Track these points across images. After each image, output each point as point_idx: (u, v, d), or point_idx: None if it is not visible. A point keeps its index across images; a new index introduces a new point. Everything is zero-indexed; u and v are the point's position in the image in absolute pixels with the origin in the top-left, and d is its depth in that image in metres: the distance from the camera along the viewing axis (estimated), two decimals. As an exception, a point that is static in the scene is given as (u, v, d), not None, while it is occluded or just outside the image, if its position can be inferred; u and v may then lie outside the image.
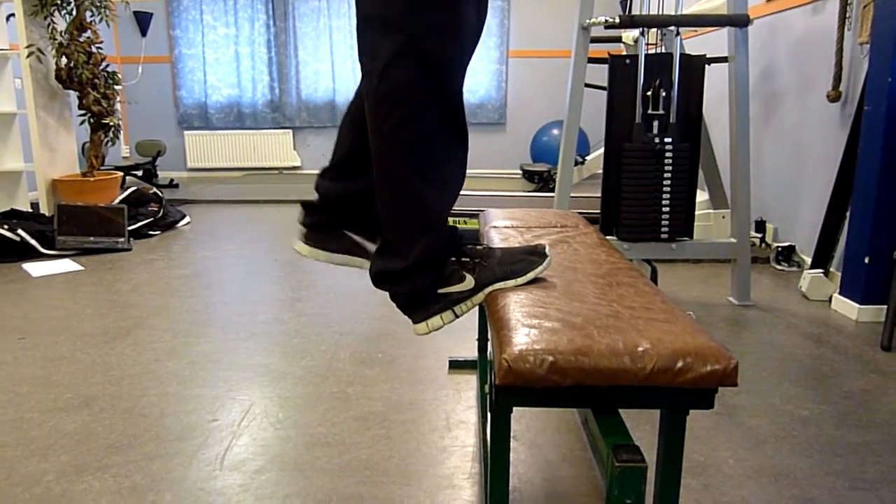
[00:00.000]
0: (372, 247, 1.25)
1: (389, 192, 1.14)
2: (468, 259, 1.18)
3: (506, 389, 0.90)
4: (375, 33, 1.08)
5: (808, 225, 3.31)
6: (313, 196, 1.30)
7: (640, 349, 0.86)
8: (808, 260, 3.19)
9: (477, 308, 1.20)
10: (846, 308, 2.68)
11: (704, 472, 1.56)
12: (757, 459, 1.61)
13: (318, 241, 1.29)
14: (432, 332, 1.20)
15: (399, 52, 1.05)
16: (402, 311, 1.23)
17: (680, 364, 0.85)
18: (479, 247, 1.21)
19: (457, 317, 1.18)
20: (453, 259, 1.18)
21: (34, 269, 3.43)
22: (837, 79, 2.98)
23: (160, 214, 4.41)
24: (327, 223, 1.28)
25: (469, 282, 1.16)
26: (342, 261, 1.29)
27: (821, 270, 2.90)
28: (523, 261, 1.16)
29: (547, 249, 1.18)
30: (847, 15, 2.93)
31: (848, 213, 2.79)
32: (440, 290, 1.17)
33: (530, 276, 1.15)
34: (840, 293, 2.73)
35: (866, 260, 2.56)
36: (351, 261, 1.29)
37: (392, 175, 1.12)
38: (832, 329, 2.51)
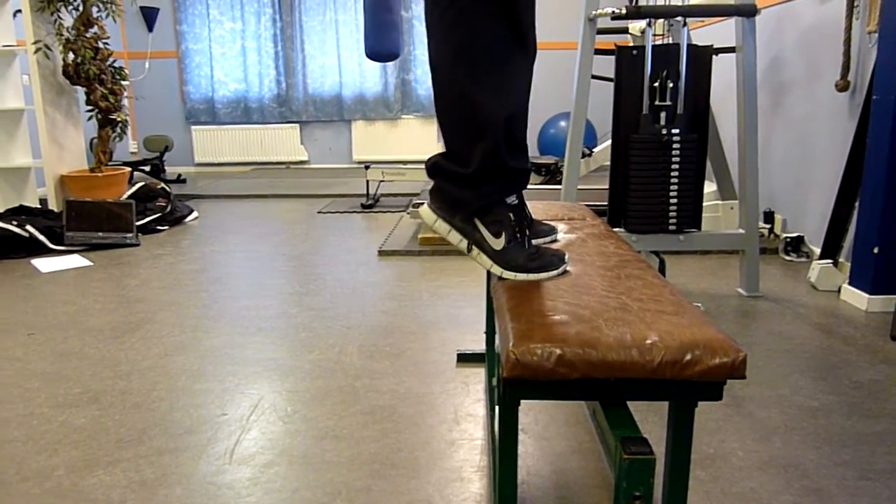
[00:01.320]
0: (491, 241, 1.18)
1: (445, 94, 1.13)
2: (517, 228, 1.16)
3: (513, 382, 0.90)
4: None
5: (816, 215, 3.29)
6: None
7: (649, 342, 0.86)
8: (817, 250, 3.17)
9: (484, 301, 1.20)
10: (855, 298, 2.66)
11: (713, 463, 1.56)
12: (766, 450, 1.61)
13: (439, 209, 1.21)
14: (433, 230, 1.19)
15: None
16: (432, 198, 1.21)
17: (688, 357, 0.85)
18: (531, 225, 1.18)
19: (466, 251, 1.17)
20: (510, 214, 1.15)
21: (43, 264, 3.45)
22: (846, 68, 2.95)
23: (168, 209, 4.43)
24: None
25: (499, 243, 1.15)
26: (456, 241, 1.21)
27: (830, 261, 2.89)
28: (543, 260, 1.15)
29: (566, 257, 1.18)
30: (855, 4, 2.90)
31: (857, 204, 2.77)
32: (476, 219, 1.16)
33: (542, 276, 1.14)
34: (849, 283, 2.72)
35: (875, 250, 2.54)
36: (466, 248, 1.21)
37: (447, 76, 1.11)
38: (841, 320, 2.50)
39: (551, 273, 1.14)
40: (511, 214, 1.16)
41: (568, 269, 1.18)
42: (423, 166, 4.90)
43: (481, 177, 1.13)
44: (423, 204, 1.21)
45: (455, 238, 1.18)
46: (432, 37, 1.11)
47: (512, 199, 1.17)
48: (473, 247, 1.17)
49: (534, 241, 1.30)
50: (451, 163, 1.16)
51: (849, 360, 2.14)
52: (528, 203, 1.79)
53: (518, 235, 1.15)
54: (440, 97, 1.14)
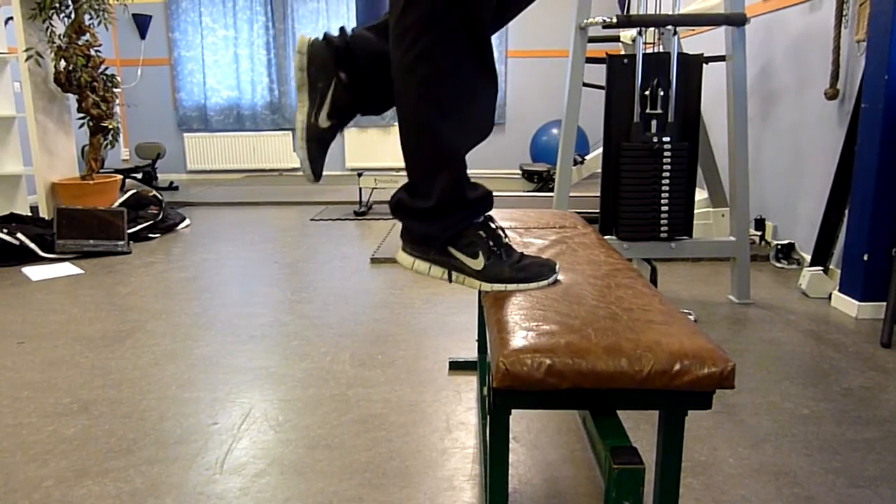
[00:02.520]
0: (322, 116, 1.21)
1: (409, 126, 1.13)
2: (492, 243, 1.17)
3: (503, 392, 0.90)
4: None
5: (807, 222, 3.31)
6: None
7: (638, 352, 0.87)
8: (808, 257, 3.19)
9: (476, 309, 1.20)
10: (846, 305, 2.68)
11: (705, 471, 1.56)
12: (757, 458, 1.61)
13: (318, 51, 1.21)
14: (413, 272, 1.20)
15: None
16: (404, 240, 1.22)
17: (677, 367, 0.85)
18: (506, 238, 1.20)
19: (450, 280, 1.18)
20: (480, 232, 1.16)
21: (34, 272, 3.43)
22: (835, 76, 2.97)
23: (160, 217, 4.42)
24: (342, 56, 1.21)
25: (479, 262, 1.15)
26: (299, 81, 1.22)
27: (820, 268, 2.90)
28: (531, 270, 1.15)
29: (557, 266, 1.18)
30: (844, 13, 2.93)
31: (847, 211, 2.79)
32: (450, 248, 1.17)
33: (532, 286, 1.14)
34: (839, 290, 2.73)
35: (865, 257, 2.56)
36: (301, 93, 1.22)
37: (412, 109, 1.11)
38: (832, 326, 2.51)
39: (541, 283, 1.15)
40: (481, 232, 1.17)
41: (559, 278, 1.18)
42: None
43: (443, 210, 1.14)
44: (398, 250, 1.21)
45: (437, 272, 1.19)
46: (398, 70, 1.10)
47: (478, 219, 1.18)
48: (455, 274, 1.18)
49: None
50: (413, 197, 1.17)
51: (839, 366, 2.15)
52: (520, 211, 1.79)
53: (495, 249, 1.16)
54: (404, 129, 1.14)
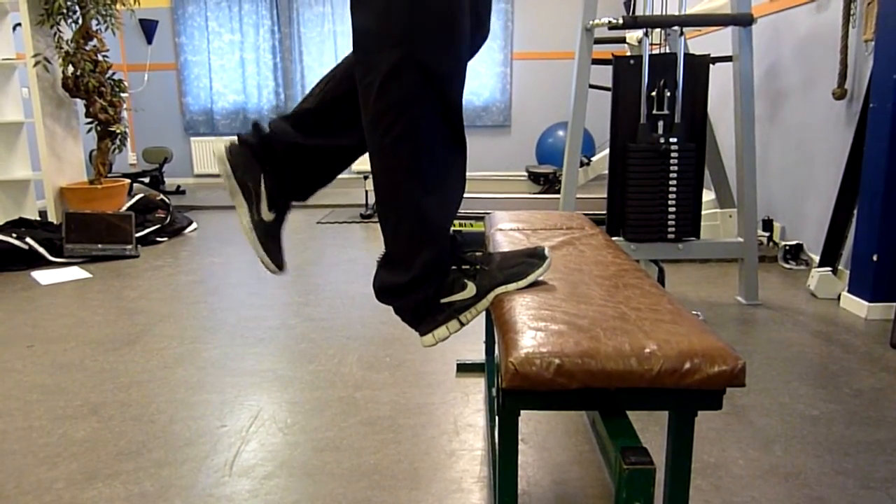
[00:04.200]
0: (264, 210, 1.24)
1: (391, 205, 1.13)
2: (468, 266, 1.17)
3: (512, 393, 0.90)
4: (372, 47, 1.06)
5: (815, 223, 3.30)
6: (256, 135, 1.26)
7: (647, 351, 0.86)
8: (816, 258, 3.17)
9: (484, 311, 1.20)
10: (855, 306, 2.66)
11: (714, 472, 1.56)
12: (767, 459, 1.61)
13: (237, 155, 1.24)
14: (439, 342, 1.19)
15: (397, 65, 1.03)
16: (409, 324, 1.22)
17: (687, 365, 0.85)
18: (477, 253, 1.20)
19: (462, 325, 1.18)
20: (454, 267, 1.18)
21: (43, 277, 3.45)
22: (843, 76, 2.96)
23: (167, 221, 4.43)
24: (260, 152, 1.24)
25: (471, 289, 1.16)
26: (231, 188, 1.24)
27: (829, 268, 2.89)
28: (523, 263, 1.15)
29: (546, 251, 1.18)
30: (851, 12, 2.92)
31: (855, 211, 2.78)
32: (443, 300, 1.17)
33: (531, 278, 1.14)
34: (849, 291, 2.72)
35: (875, 257, 2.55)
36: (237, 197, 1.25)
37: (394, 189, 1.11)
38: (841, 327, 2.50)
39: (537, 273, 1.14)
40: (454, 266, 1.17)
41: (558, 279, 1.17)
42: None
43: (422, 280, 1.15)
44: (420, 336, 1.21)
45: (455, 327, 1.18)
46: (377, 151, 1.10)
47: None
48: (462, 316, 1.18)
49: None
50: (393, 272, 1.17)
51: (849, 367, 2.14)
52: (527, 213, 1.79)
53: (475, 267, 1.17)
54: (385, 208, 1.14)
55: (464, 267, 1.18)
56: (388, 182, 1.11)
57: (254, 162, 1.24)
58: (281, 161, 1.24)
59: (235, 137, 1.25)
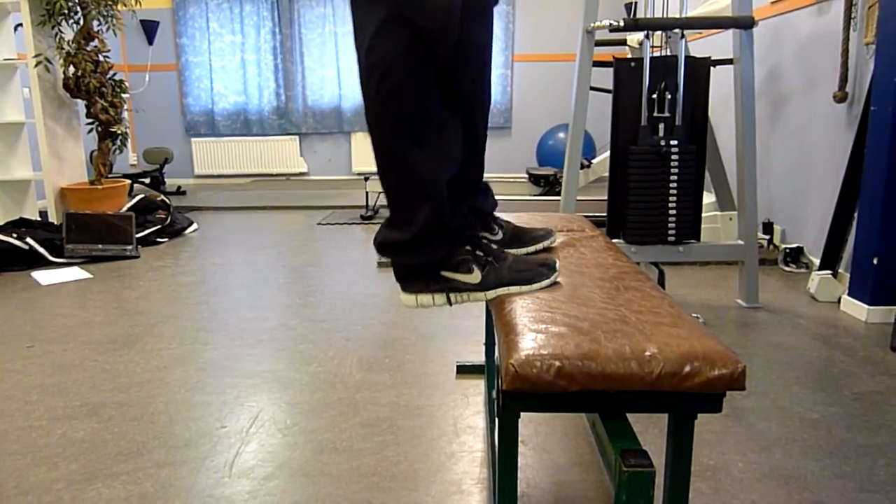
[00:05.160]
0: (468, 278, 1.20)
1: (385, 161, 1.14)
2: (482, 254, 1.17)
3: (513, 395, 0.90)
4: (362, 8, 1.09)
5: (815, 226, 3.30)
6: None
7: (648, 354, 0.86)
8: (817, 261, 3.17)
9: (484, 312, 1.20)
10: (855, 309, 2.66)
11: (714, 475, 1.55)
12: (767, 462, 1.61)
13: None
14: (419, 307, 1.19)
15: (384, 21, 1.05)
16: (399, 280, 1.22)
17: (687, 368, 0.85)
18: (494, 245, 1.20)
19: (449, 304, 1.18)
20: (468, 248, 1.17)
21: (43, 277, 3.45)
22: (843, 79, 2.96)
23: (168, 222, 4.43)
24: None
25: (475, 276, 1.16)
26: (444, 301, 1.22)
27: (829, 272, 2.89)
28: (532, 270, 1.16)
29: (557, 265, 1.18)
30: (852, 15, 2.92)
31: (856, 214, 2.78)
32: (444, 273, 1.17)
33: (536, 286, 1.14)
34: (849, 294, 2.72)
35: (875, 261, 2.55)
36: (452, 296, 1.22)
37: (386, 145, 1.12)
38: (841, 331, 2.50)
39: (543, 283, 1.15)
40: (467, 247, 1.18)
41: (559, 280, 1.18)
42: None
43: (425, 239, 1.15)
44: (399, 294, 1.22)
45: (440, 300, 1.19)
46: (370, 105, 1.12)
47: (462, 239, 1.19)
48: (455, 294, 1.18)
49: (531, 248, 1.31)
50: (395, 230, 1.18)
51: (849, 371, 2.14)
52: (527, 215, 1.79)
53: (488, 258, 1.17)
54: (382, 165, 1.15)
55: (477, 252, 1.17)
56: (381, 138, 1.13)
57: (422, 278, 1.21)
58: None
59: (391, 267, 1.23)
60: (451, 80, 1.13)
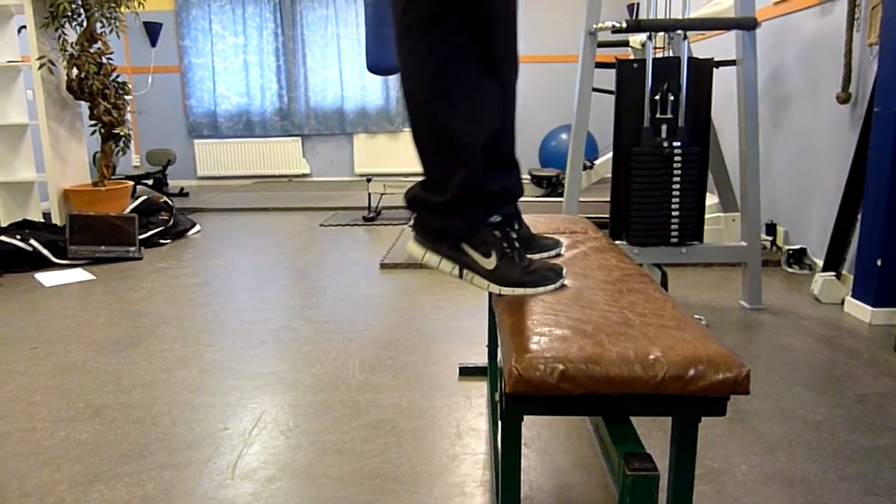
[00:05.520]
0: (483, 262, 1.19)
1: (421, 123, 1.14)
2: (506, 244, 1.17)
3: (516, 398, 0.90)
4: None
5: (819, 227, 3.29)
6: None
7: (652, 357, 0.86)
8: (820, 263, 3.17)
9: (486, 314, 1.20)
10: (859, 311, 2.66)
11: (718, 478, 1.55)
12: (770, 465, 1.60)
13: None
14: (423, 264, 1.19)
15: None
16: (414, 230, 1.21)
17: (691, 372, 0.84)
18: (519, 240, 1.20)
19: (450, 275, 1.18)
20: (496, 233, 1.16)
21: (46, 278, 3.46)
22: (847, 80, 2.96)
23: (171, 223, 4.44)
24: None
25: (490, 262, 1.15)
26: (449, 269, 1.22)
27: (833, 273, 2.88)
28: (539, 274, 1.15)
29: (563, 271, 1.18)
30: (856, 16, 2.91)
31: (859, 215, 2.77)
32: (463, 245, 1.17)
33: (540, 290, 1.14)
34: (852, 296, 2.71)
35: (879, 262, 2.54)
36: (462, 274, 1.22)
37: (422, 105, 1.12)
38: (845, 332, 2.49)
39: (548, 287, 1.14)
40: (496, 232, 1.17)
41: (566, 283, 1.18)
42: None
43: (459, 204, 1.14)
44: (409, 240, 1.21)
45: (447, 267, 1.19)
46: (405, 68, 1.12)
47: (494, 218, 1.18)
48: (465, 271, 1.18)
49: (537, 255, 1.31)
50: (429, 192, 1.17)
51: (853, 373, 2.13)
52: (529, 217, 1.79)
53: (508, 251, 1.16)
54: (416, 126, 1.15)
55: (504, 242, 1.16)
56: (417, 99, 1.12)
57: (438, 240, 1.21)
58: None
59: (412, 231, 1.23)
60: (489, 44, 1.12)
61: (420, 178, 1.20)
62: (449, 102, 1.11)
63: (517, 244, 1.19)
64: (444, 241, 1.18)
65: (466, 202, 1.14)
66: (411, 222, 1.23)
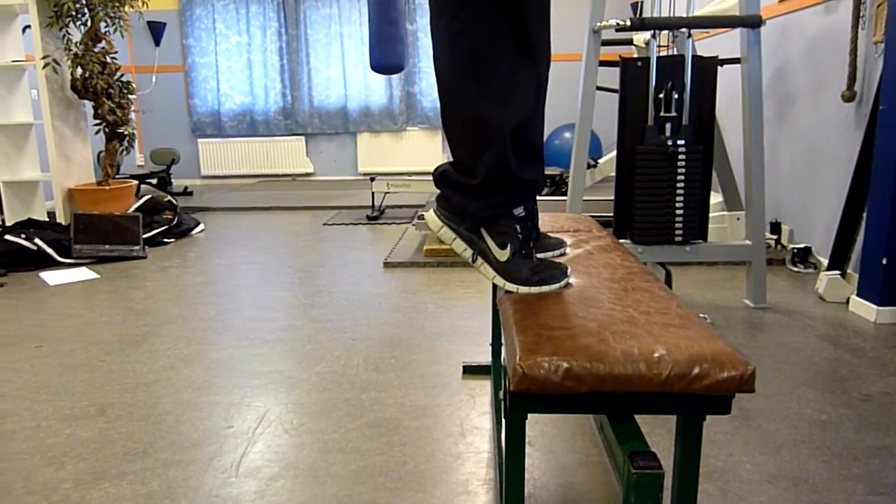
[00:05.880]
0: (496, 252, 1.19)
1: (452, 103, 1.13)
2: (524, 239, 1.16)
3: (520, 396, 0.89)
4: None
5: (824, 226, 3.28)
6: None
7: (656, 355, 0.86)
8: (825, 261, 3.16)
9: (490, 313, 1.20)
10: (864, 310, 2.65)
11: (722, 477, 1.55)
12: (775, 464, 1.60)
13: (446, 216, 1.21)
14: (438, 235, 1.19)
15: None
16: (439, 204, 1.21)
17: (696, 370, 0.84)
18: (536, 239, 1.19)
19: (472, 261, 1.18)
20: (518, 227, 1.16)
21: (51, 277, 3.46)
22: (852, 78, 2.95)
23: (174, 222, 4.45)
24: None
25: (504, 254, 1.15)
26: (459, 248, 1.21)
27: (837, 272, 2.87)
28: (545, 273, 1.15)
29: (569, 270, 1.18)
30: (861, 14, 2.90)
31: (864, 214, 2.76)
32: (483, 230, 1.17)
33: (544, 289, 1.14)
34: (857, 295, 2.70)
35: (884, 261, 2.53)
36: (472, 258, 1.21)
37: (454, 85, 1.12)
38: (850, 331, 2.49)
39: (553, 286, 1.14)
40: (517, 226, 1.16)
41: (570, 282, 1.18)
42: (428, 178, 4.91)
43: (488, 188, 1.13)
44: (429, 210, 1.21)
45: (460, 247, 1.19)
46: (439, 46, 1.12)
47: (519, 212, 1.17)
48: (478, 257, 1.18)
49: (540, 255, 1.30)
50: (459, 173, 1.17)
51: (858, 372, 2.13)
52: (533, 215, 1.78)
53: (523, 248, 1.16)
54: (447, 107, 1.15)
55: (523, 239, 1.16)
56: (449, 79, 1.12)
57: (462, 220, 1.20)
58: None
59: (435, 206, 1.23)
60: (524, 30, 1.11)
61: (421, 179, 1.19)
62: (482, 83, 1.10)
63: (533, 243, 1.19)
64: (464, 221, 1.17)
65: (494, 187, 1.13)
66: (436, 196, 1.22)
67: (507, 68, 1.11)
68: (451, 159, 1.20)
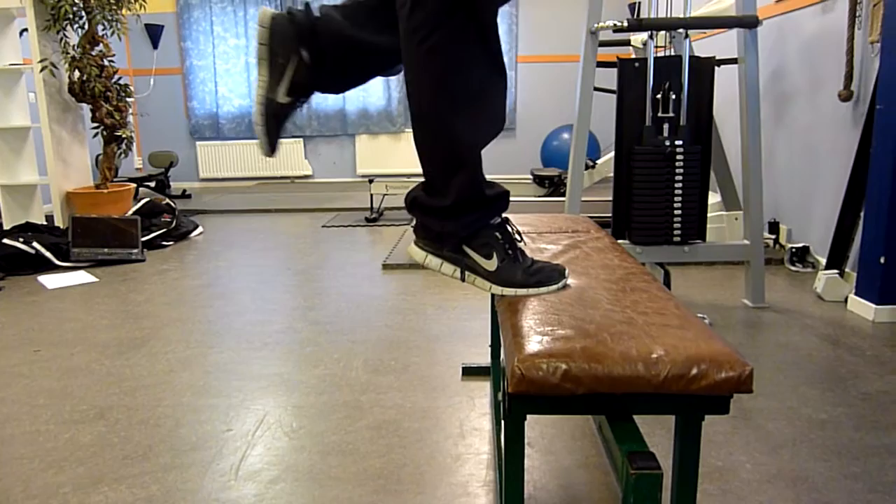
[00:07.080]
0: (281, 92, 1.20)
1: (423, 124, 1.13)
2: (507, 245, 1.17)
3: (519, 397, 0.90)
4: None
5: (822, 225, 3.28)
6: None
7: (654, 356, 0.86)
8: (823, 261, 3.16)
9: (489, 314, 1.20)
10: (862, 309, 2.65)
11: (722, 476, 1.55)
12: (775, 463, 1.60)
13: (281, 25, 1.18)
14: (425, 266, 1.20)
15: None
16: (416, 234, 1.22)
17: (694, 371, 0.84)
18: (521, 243, 1.20)
19: (462, 279, 1.18)
20: (497, 234, 1.17)
21: (49, 281, 3.46)
22: (848, 78, 2.95)
23: (173, 225, 4.44)
24: (304, 33, 1.19)
25: (492, 264, 1.16)
26: (260, 54, 1.20)
27: (836, 271, 2.88)
28: (542, 273, 1.15)
29: (566, 271, 1.18)
30: (857, 14, 2.91)
31: (862, 213, 2.76)
32: (465, 248, 1.17)
33: (543, 290, 1.14)
34: (856, 294, 2.71)
35: (882, 260, 2.54)
36: (262, 67, 1.20)
37: (426, 106, 1.11)
38: (848, 330, 2.49)
39: (551, 287, 1.14)
40: (497, 234, 1.17)
41: (568, 283, 1.18)
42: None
43: (461, 208, 1.14)
44: (410, 244, 1.22)
45: (448, 269, 1.19)
46: (410, 66, 1.11)
47: (495, 220, 1.18)
48: (468, 273, 1.18)
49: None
50: (430, 196, 1.17)
51: (857, 371, 2.13)
52: (532, 216, 1.79)
53: (510, 252, 1.16)
54: (419, 127, 1.14)
55: (506, 243, 1.17)
56: (421, 99, 1.12)
57: (294, 40, 1.19)
58: (323, 50, 1.20)
59: (286, 10, 1.20)
60: (491, 47, 1.11)
61: (421, 180, 1.20)
62: (454, 103, 1.10)
63: (518, 244, 1.19)
64: (446, 243, 1.18)
65: (468, 207, 1.14)
66: (413, 224, 1.23)
67: (479, 88, 1.12)
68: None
